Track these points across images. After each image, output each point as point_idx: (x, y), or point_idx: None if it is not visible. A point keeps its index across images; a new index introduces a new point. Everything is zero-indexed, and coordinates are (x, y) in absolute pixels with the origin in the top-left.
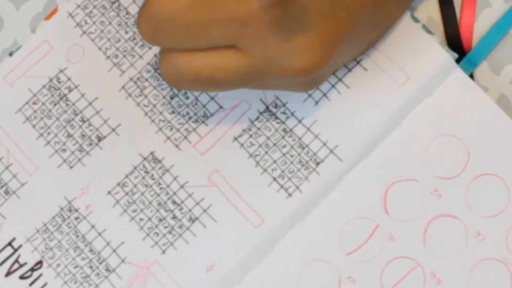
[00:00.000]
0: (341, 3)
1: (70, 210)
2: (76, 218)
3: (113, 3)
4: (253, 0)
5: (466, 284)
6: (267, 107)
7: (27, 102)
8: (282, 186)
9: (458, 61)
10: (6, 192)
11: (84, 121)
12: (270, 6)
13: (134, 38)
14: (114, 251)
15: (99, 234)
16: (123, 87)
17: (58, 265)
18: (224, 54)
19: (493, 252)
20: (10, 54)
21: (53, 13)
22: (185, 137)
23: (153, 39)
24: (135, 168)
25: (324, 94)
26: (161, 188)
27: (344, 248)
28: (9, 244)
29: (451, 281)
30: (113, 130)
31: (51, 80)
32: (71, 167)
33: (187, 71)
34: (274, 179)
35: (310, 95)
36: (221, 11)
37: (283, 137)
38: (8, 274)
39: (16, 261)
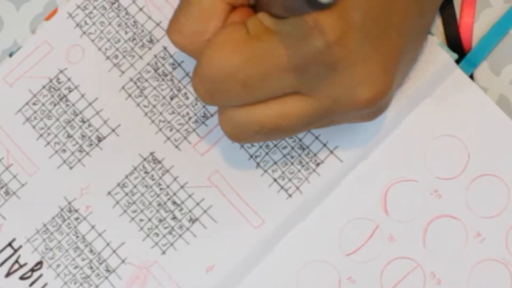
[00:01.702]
0: (390, 24)
1: (70, 211)
2: (76, 219)
3: (113, 3)
4: (307, 45)
5: (466, 284)
6: None
7: (27, 103)
8: (282, 187)
9: (458, 61)
10: (6, 193)
11: (84, 122)
12: (327, 46)
13: (134, 39)
14: (114, 251)
15: (99, 234)
16: (123, 87)
17: (58, 265)
18: (287, 101)
19: (493, 253)
20: (10, 55)
21: (53, 14)
22: (185, 138)
23: (211, 100)
24: (135, 168)
25: None
26: (161, 189)
27: (344, 249)
28: (9, 244)
29: (451, 281)
30: (113, 130)
31: (51, 80)
32: (71, 168)
33: (250, 124)
34: (275, 180)
35: None
36: (277, 62)
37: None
38: (8, 274)
39: (16, 261)
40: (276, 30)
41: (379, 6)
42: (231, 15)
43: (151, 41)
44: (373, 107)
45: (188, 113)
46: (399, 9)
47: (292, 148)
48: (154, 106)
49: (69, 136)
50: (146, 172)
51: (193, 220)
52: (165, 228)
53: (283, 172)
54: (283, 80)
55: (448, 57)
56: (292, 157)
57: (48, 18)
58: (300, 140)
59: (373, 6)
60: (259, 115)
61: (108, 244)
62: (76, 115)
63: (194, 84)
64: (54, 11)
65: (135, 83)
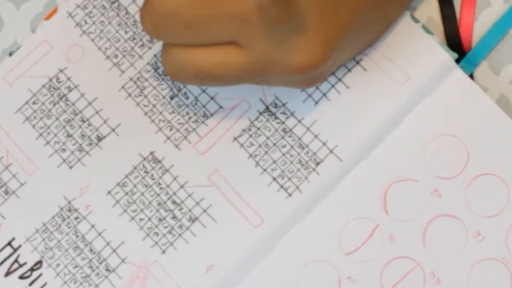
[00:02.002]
0: (343, 3)
1: (69, 210)
2: (76, 218)
3: (112, 3)
4: None
5: (466, 284)
6: (267, 107)
7: (26, 102)
8: (282, 186)
9: (458, 61)
10: (6, 192)
11: (83, 121)
12: (269, 4)
13: (134, 38)
14: (114, 251)
15: (99, 234)
16: (123, 87)
17: (58, 265)
18: (225, 50)
19: (493, 252)
20: (10, 54)
21: (53, 13)
22: (185, 137)
23: (155, 33)
24: (135, 168)
25: (324, 94)
26: (161, 188)
27: (344, 248)
28: (9, 244)
29: (451, 281)
30: (113, 130)
31: (50, 80)
32: (70, 167)
33: (188, 66)
34: (274, 179)
35: (309, 95)
36: (222, 7)
37: (282, 137)
38: (7, 274)
39: (16, 261)
40: None
41: None
42: None
43: (151, 40)
44: (304, 75)
45: (188, 113)
46: None
47: (292, 147)
48: (154, 106)
49: (69, 135)
50: (146, 172)
51: (193, 220)
52: (165, 227)
53: (282, 171)
54: (226, 27)
55: (448, 56)
56: (291, 156)
57: (48, 17)
58: (299, 139)
59: None
60: (197, 58)
61: (108, 244)
62: (76, 115)
63: (142, 15)
64: (54, 11)
65: (135, 82)
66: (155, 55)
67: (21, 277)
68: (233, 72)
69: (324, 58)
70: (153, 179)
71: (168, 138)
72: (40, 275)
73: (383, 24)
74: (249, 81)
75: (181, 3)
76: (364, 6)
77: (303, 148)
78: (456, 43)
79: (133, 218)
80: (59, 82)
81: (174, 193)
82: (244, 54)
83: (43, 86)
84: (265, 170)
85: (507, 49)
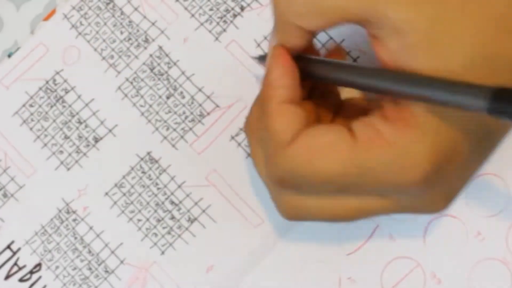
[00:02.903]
0: (466, 165)
1: (68, 212)
2: (74, 220)
3: (108, 4)
4: (416, 173)
5: (467, 284)
6: None
7: (23, 105)
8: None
9: None
10: (4, 195)
11: (80, 123)
12: (431, 173)
13: (130, 39)
14: (112, 252)
15: (98, 235)
16: (119, 87)
17: (57, 267)
18: (367, 200)
19: (494, 252)
20: (9, 56)
21: (52, 14)
22: (182, 137)
23: (284, 188)
24: (132, 168)
25: None
26: (158, 189)
27: (344, 248)
28: (8, 247)
29: (452, 281)
30: (110, 131)
31: (47, 82)
32: (68, 169)
33: (321, 213)
34: None
35: None
36: (381, 178)
37: None
38: (7, 277)
39: (15, 264)
40: (394, 144)
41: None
42: (273, 56)
43: (146, 40)
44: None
45: (184, 112)
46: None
47: None
48: (150, 106)
49: (66, 137)
50: (143, 172)
51: (191, 220)
52: (164, 228)
53: None
54: (377, 191)
55: None
56: None
57: (46, 18)
58: None
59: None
60: (335, 208)
61: (106, 245)
62: (73, 116)
63: (270, 168)
64: (53, 12)
65: (131, 83)
66: (150, 55)
67: (21, 280)
68: (367, 216)
69: (447, 207)
70: (150, 179)
71: (165, 138)
72: (39, 277)
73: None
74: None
75: (335, 172)
76: (468, 167)
77: None
78: None
79: (131, 219)
80: (55, 84)
81: (172, 193)
82: (388, 204)
83: (40, 89)
84: None
85: None
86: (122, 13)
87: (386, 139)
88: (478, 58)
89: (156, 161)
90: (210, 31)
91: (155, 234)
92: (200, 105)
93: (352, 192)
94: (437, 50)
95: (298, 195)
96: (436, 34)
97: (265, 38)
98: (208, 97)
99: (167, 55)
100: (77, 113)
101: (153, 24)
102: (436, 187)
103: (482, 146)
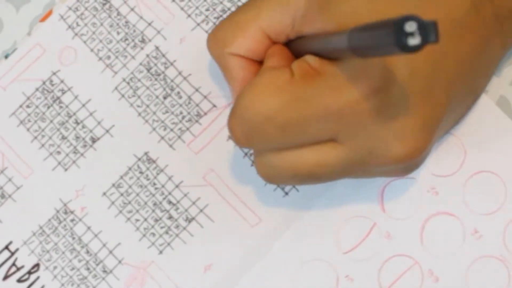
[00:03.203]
0: (437, 83)
1: (65, 212)
2: (72, 220)
3: (104, 4)
4: (352, 91)
5: (464, 282)
6: None
7: (20, 106)
8: (278, 185)
9: None
10: (2, 196)
11: (78, 123)
12: (371, 94)
13: (126, 39)
14: (110, 252)
15: (95, 235)
16: (116, 88)
17: (55, 267)
18: (322, 149)
19: (491, 250)
20: (6, 57)
21: (48, 15)
22: (179, 137)
23: (247, 143)
24: (130, 168)
25: None
26: (156, 188)
27: (342, 247)
28: (6, 247)
29: (449, 279)
30: (107, 131)
31: (44, 83)
32: (65, 170)
33: (285, 170)
34: None
35: None
36: (317, 105)
37: None
38: (5, 277)
39: (13, 264)
40: (323, 72)
41: (426, 62)
42: (268, 53)
43: (143, 41)
44: (407, 163)
45: (181, 112)
46: (447, 68)
47: None
48: (147, 106)
49: (63, 137)
50: (141, 172)
51: (189, 220)
52: (162, 227)
53: None
54: (323, 126)
55: None
56: None
57: (43, 19)
58: None
59: (421, 63)
60: (294, 162)
61: (104, 245)
62: (70, 117)
63: (231, 125)
64: (49, 13)
65: (128, 83)
66: (147, 55)
67: (19, 280)
68: (333, 170)
69: (427, 143)
70: (148, 179)
71: (162, 138)
72: (37, 278)
73: (473, 99)
74: (348, 176)
75: (273, 108)
76: (456, 83)
77: None
78: None
79: (129, 219)
80: (52, 85)
81: (170, 193)
82: (344, 150)
83: (37, 89)
84: None
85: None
86: (118, 13)
87: (316, 69)
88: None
89: (154, 161)
90: (206, 32)
91: (153, 234)
92: (197, 105)
93: (301, 137)
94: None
95: (264, 154)
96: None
97: None
98: (205, 97)
99: (163, 56)
100: (74, 114)
101: (149, 24)
102: (389, 111)
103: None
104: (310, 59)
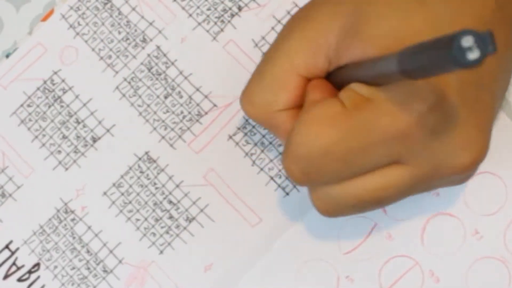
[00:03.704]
0: (483, 86)
1: (66, 212)
2: (73, 220)
3: (105, 4)
4: (408, 112)
5: (465, 282)
6: None
7: (21, 105)
8: (279, 185)
9: None
10: (2, 195)
11: (78, 123)
12: (427, 111)
13: (127, 39)
14: (111, 252)
15: (96, 235)
16: (117, 87)
17: (56, 267)
18: (385, 173)
19: (491, 251)
20: (7, 56)
21: (50, 15)
22: (180, 136)
23: (307, 180)
24: (130, 168)
25: None
26: (156, 188)
27: (342, 247)
28: (6, 247)
29: (450, 279)
30: (108, 130)
31: (45, 82)
32: (66, 169)
33: (347, 200)
34: (271, 178)
35: None
36: (377, 133)
37: None
38: (6, 277)
39: (14, 264)
40: (375, 99)
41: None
42: (309, 88)
43: (144, 40)
44: (474, 170)
45: (182, 112)
46: (489, 70)
47: None
48: (148, 106)
49: (64, 137)
50: (141, 172)
51: (190, 219)
52: (162, 227)
53: (279, 170)
54: (385, 151)
55: None
56: None
57: (44, 19)
58: None
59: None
60: (358, 190)
61: (104, 245)
62: (71, 116)
63: (287, 165)
64: (51, 12)
65: (129, 83)
66: (148, 55)
67: (19, 279)
68: (398, 191)
69: (487, 147)
70: (148, 179)
71: (163, 137)
72: (38, 277)
73: (504, 93)
74: (413, 194)
75: (331, 140)
76: (497, 81)
77: None
78: None
79: (129, 218)
80: (53, 84)
81: (170, 193)
82: (408, 170)
83: (38, 89)
84: (261, 169)
85: None
86: (119, 13)
87: (366, 97)
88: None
89: (154, 161)
90: (207, 31)
91: (154, 234)
92: (197, 104)
93: (362, 165)
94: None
95: (322, 188)
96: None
97: (263, 38)
98: (206, 96)
99: (164, 55)
100: (75, 113)
101: (150, 24)
102: (448, 123)
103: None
104: (357, 87)
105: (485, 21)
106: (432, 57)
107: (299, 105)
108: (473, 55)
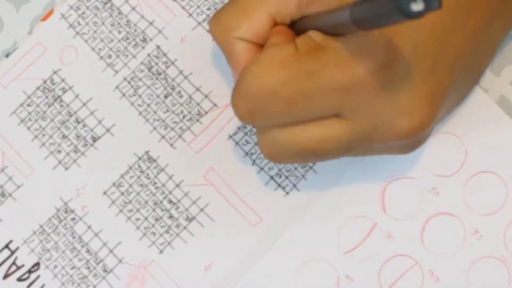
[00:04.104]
0: (442, 59)
1: (66, 211)
2: (73, 219)
3: (105, 3)
4: (357, 66)
5: (465, 282)
6: None
7: (21, 104)
8: (279, 185)
9: None
10: (2, 195)
11: (78, 122)
12: (376, 69)
13: (127, 38)
14: (111, 251)
15: (96, 234)
16: (117, 87)
17: (55, 266)
18: (327, 124)
19: (491, 250)
20: (7, 56)
21: (50, 14)
22: (180, 136)
23: (251, 119)
24: (130, 167)
25: None
26: (156, 188)
27: (342, 247)
28: (6, 246)
29: (449, 279)
30: (108, 130)
31: (45, 81)
32: (66, 168)
33: (289, 146)
34: (271, 177)
35: None
36: (323, 80)
37: None
38: (5, 276)
39: (14, 263)
40: (327, 47)
41: (432, 39)
42: (271, 33)
43: (144, 40)
44: (412, 138)
45: (182, 111)
46: (453, 46)
47: None
48: (148, 105)
49: (64, 136)
50: (141, 171)
51: (190, 219)
52: (162, 227)
53: (279, 170)
54: (328, 100)
55: None
56: None
57: (44, 18)
58: None
59: (426, 38)
60: (299, 137)
61: (104, 244)
62: (71, 116)
63: (235, 102)
64: (51, 12)
65: (129, 82)
66: (148, 55)
67: (19, 279)
68: (338, 145)
69: (431, 118)
70: (148, 178)
71: (163, 137)
72: (38, 277)
73: (474, 79)
74: (352, 153)
75: (278, 82)
76: (461, 61)
77: None
78: None
79: (129, 218)
80: (53, 84)
81: (170, 192)
82: (349, 125)
83: (38, 88)
84: (262, 168)
85: (507, 51)
86: (119, 12)
87: (320, 44)
88: None
89: (154, 160)
90: (207, 31)
91: (154, 233)
92: (198, 104)
93: (305, 111)
94: None
95: (269, 131)
96: None
97: None
98: (206, 96)
99: (164, 55)
100: (75, 113)
101: (150, 23)
102: (394, 86)
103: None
104: (313, 34)
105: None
106: (379, 7)
107: (257, 43)
108: (417, 7)
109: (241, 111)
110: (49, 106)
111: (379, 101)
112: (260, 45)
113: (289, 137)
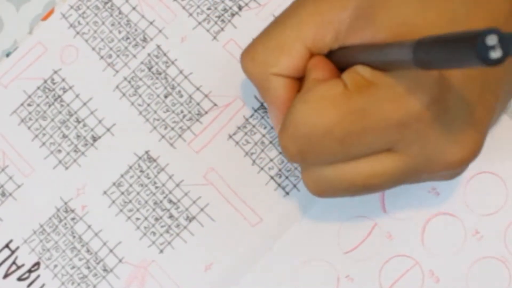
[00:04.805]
0: (488, 86)
1: (66, 211)
2: (73, 219)
3: (106, 3)
4: (412, 101)
5: (465, 282)
6: (262, 104)
7: (22, 104)
8: (279, 185)
9: None
10: (2, 194)
11: (79, 122)
12: (430, 103)
13: (128, 38)
14: (111, 251)
15: (96, 234)
16: (117, 86)
17: (56, 266)
18: (378, 159)
19: (492, 251)
20: (7, 55)
21: (50, 14)
22: (180, 136)
23: (303, 158)
24: (130, 167)
25: None
26: (156, 187)
27: (342, 247)
28: (6, 246)
29: (450, 279)
30: (108, 130)
31: (45, 81)
32: (66, 168)
33: (339, 183)
34: (271, 177)
35: None
36: (378, 118)
37: None
38: (6, 276)
39: (14, 263)
40: (379, 84)
41: None
42: (311, 65)
43: (144, 40)
44: (464, 167)
45: (182, 111)
46: (495, 72)
47: None
48: (148, 105)
49: (64, 136)
50: (142, 171)
51: (190, 219)
52: (162, 227)
53: (279, 170)
54: (383, 137)
55: None
56: None
57: (45, 18)
58: None
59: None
60: (350, 174)
61: (104, 244)
62: (71, 115)
63: (283, 142)
64: (51, 11)
65: (129, 82)
66: (148, 54)
67: (20, 279)
68: (390, 179)
69: (482, 144)
70: (148, 178)
71: (163, 136)
72: (38, 276)
73: (509, 97)
74: (400, 184)
75: (331, 121)
76: (503, 84)
77: None
78: None
79: (129, 217)
80: (53, 83)
81: (170, 192)
82: (401, 160)
83: (38, 88)
84: (262, 168)
85: None
86: (120, 12)
87: (370, 80)
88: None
89: (154, 160)
90: (208, 30)
91: (154, 233)
92: (198, 104)
93: (358, 149)
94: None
95: (316, 168)
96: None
97: None
98: (206, 96)
99: (165, 54)
100: (75, 112)
101: (151, 23)
102: (447, 117)
103: None
104: (361, 70)
105: (498, 22)
106: (453, 51)
107: (295, 77)
108: (496, 54)
109: (291, 152)
110: (50, 105)
111: (433, 133)
112: (298, 79)
113: (339, 174)
